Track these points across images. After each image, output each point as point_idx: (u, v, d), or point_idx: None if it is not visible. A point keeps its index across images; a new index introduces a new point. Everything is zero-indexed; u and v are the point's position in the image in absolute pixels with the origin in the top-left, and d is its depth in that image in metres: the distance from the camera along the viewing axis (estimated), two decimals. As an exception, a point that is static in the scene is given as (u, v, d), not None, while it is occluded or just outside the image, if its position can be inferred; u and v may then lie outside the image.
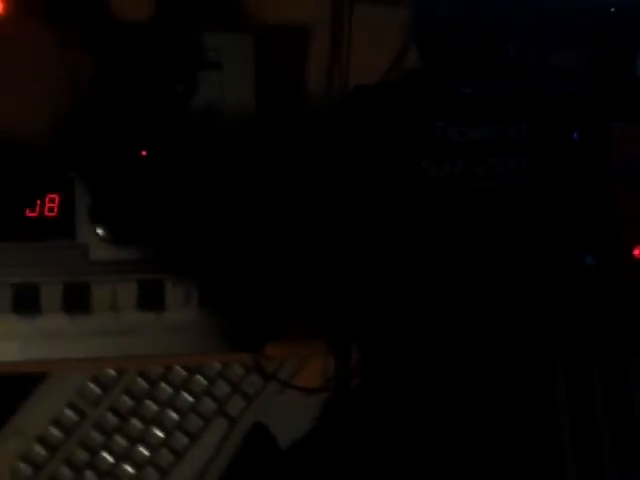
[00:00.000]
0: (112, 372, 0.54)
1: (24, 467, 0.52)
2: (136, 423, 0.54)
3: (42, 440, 0.52)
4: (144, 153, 0.44)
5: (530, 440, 0.45)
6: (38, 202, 0.43)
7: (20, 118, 0.41)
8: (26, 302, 0.43)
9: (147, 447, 0.54)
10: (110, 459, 0.53)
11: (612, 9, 0.50)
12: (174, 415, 0.54)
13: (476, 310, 0.43)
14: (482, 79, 0.49)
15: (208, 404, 0.55)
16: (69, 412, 0.53)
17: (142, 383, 0.54)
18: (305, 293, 0.50)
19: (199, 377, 0.55)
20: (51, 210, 0.44)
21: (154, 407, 0.54)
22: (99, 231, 0.44)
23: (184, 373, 0.55)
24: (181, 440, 0.54)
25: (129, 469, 0.53)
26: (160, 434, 0.54)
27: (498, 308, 0.43)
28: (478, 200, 0.43)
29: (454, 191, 0.43)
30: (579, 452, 0.45)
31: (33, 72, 0.41)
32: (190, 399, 0.55)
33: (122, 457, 0.53)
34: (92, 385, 0.54)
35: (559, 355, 0.45)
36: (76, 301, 0.44)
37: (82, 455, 0.53)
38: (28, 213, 0.43)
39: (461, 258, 0.43)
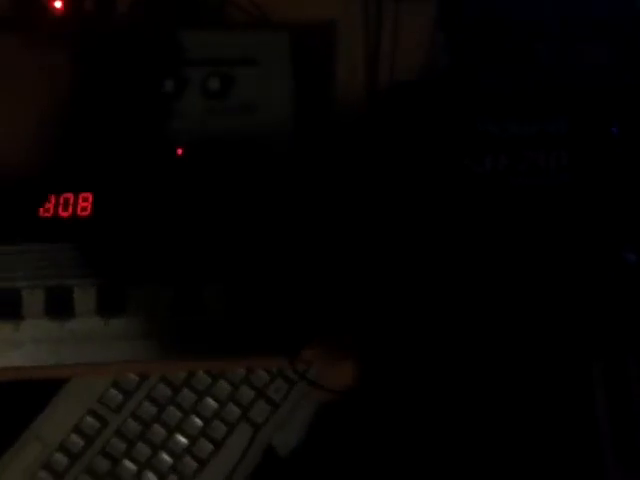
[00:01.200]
0: (134, 377, 0.53)
1: (44, 475, 0.50)
2: (159, 430, 0.52)
3: (62, 447, 0.51)
4: (180, 152, 0.43)
5: (567, 440, 0.45)
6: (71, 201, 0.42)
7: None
8: (59, 305, 0.42)
9: (170, 454, 0.52)
10: (132, 467, 0.52)
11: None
12: (198, 421, 0.53)
13: (519, 306, 0.43)
14: (515, 75, 0.49)
15: (232, 410, 0.53)
16: (90, 419, 0.51)
17: (165, 389, 0.53)
18: (334, 298, 0.49)
19: (223, 382, 0.54)
20: (84, 209, 0.42)
21: (177, 413, 0.53)
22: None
23: (208, 379, 0.54)
24: (205, 447, 0.53)
25: (152, 477, 0.52)
26: (183, 440, 0.53)
27: (539, 304, 0.43)
28: (521, 196, 0.43)
29: (497, 187, 0.43)
30: (619, 451, 0.45)
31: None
32: (214, 405, 0.53)
33: (144, 465, 0.52)
34: (114, 391, 0.52)
35: (598, 355, 0.45)
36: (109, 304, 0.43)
37: (103, 463, 0.51)
38: (61, 213, 0.42)
39: (504, 254, 0.43)
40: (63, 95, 0.42)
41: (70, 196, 0.41)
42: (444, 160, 0.43)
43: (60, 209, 0.41)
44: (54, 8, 0.46)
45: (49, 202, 0.41)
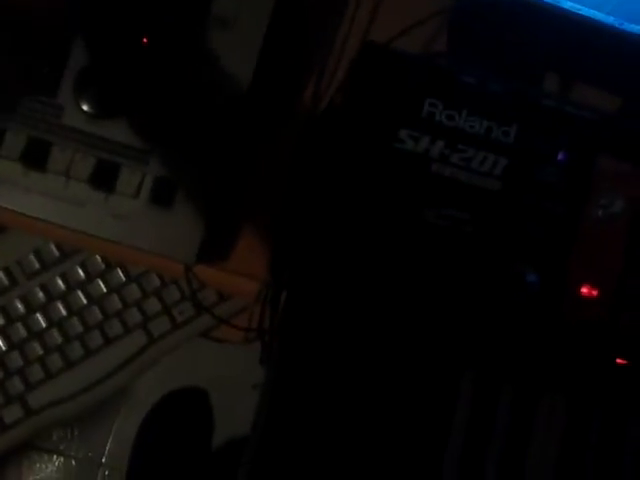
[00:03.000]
0: (55, 252, 0.54)
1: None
2: (59, 308, 0.54)
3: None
4: (145, 40, 0.45)
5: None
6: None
7: None
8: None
9: (62, 334, 0.54)
10: (23, 332, 0.53)
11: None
12: (98, 313, 0.54)
13: (415, 297, 0.42)
14: (491, 76, 0.48)
15: (134, 315, 0.54)
16: (1, 275, 0.53)
17: (78, 274, 0.54)
18: (252, 227, 0.49)
19: (134, 286, 0.55)
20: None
21: (82, 300, 0.54)
22: (81, 99, 0.44)
23: (122, 278, 0.55)
24: (96, 339, 0.54)
25: (37, 348, 0.53)
26: (79, 326, 0.54)
27: (435, 301, 0.43)
28: (444, 186, 0.43)
29: (421, 170, 0.43)
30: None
31: None
32: (119, 305, 0.54)
33: (34, 335, 0.53)
34: (32, 257, 0.54)
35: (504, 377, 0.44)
36: (35, 156, 0.45)
37: (-1, 318, 0.53)
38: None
39: (414, 235, 0.42)
40: None
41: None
42: (383, 128, 0.43)
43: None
44: None
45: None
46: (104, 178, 0.45)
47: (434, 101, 0.44)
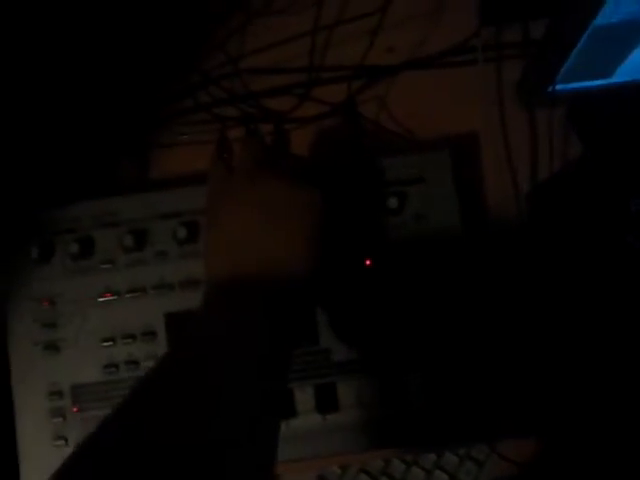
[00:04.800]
0: (336, 469, 0.58)
1: None
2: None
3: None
4: (368, 263, 0.50)
5: None
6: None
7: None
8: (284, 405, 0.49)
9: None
10: None
11: None
12: (399, 507, 0.57)
13: None
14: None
15: (429, 494, 0.57)
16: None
17: (365, 478, 0.58)
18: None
19: (416, 469, 0.58)
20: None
21: (379, 501, 0.57)
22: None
23: (402, 466, 0.58)
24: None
25: None
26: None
27: None
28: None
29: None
30: None
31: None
32: (411, 490, 0.57)
33: None
34: (320, 483, 0.57)
35: None
36: (326, 401, 0.49)
37: None
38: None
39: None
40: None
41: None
42: (607, 241, 0.47)
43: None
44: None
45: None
46: (393, 394, 0.49)
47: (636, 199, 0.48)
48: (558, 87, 0.52)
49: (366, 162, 0.52)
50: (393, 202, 0.50)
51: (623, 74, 0.52)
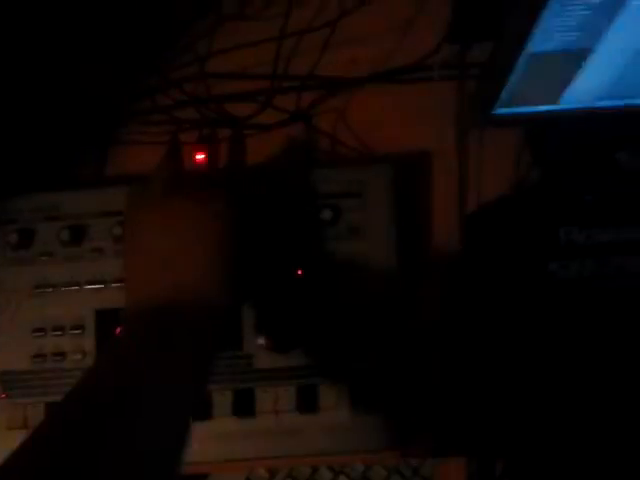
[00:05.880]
0: (264, 473, 0.59)
1: None
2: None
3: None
4: (300, 272, 0.51)
5: None
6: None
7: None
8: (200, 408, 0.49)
9: None
10: None
11: None
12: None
13: (616, 411, 0.45)
14: (598, 184, 0.52)
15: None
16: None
17: (291, 482, 0.58)
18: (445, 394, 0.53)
19: (343, 478, 0.58)
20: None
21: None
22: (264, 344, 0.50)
23: (329, 474, 0.59)
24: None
25: None
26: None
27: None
28: (609, 298, 0.46)
29: (583, 291, 0.47)
30: None
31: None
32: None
33: None
34: (248, 485, 0.58)
35: None
36: (244, 406, 0.50)
37: None
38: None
39: (595, 357, 0.45)
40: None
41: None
42: (530, 268, 0.47)
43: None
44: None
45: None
46: (307, 402, 0.49)
47: (567, 227, 0.48)
48: (505, 111, 0.52)
49: (305, 173, 0.52)
50: (327, 214, 0.51)
51: (569, 101, 0.51)
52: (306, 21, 0.66)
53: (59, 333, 0.51)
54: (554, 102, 0.51)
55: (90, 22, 0.63)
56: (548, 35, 0.43)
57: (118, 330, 0.44)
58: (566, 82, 0.49)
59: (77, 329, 0.51)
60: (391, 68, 0.63)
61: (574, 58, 0.46)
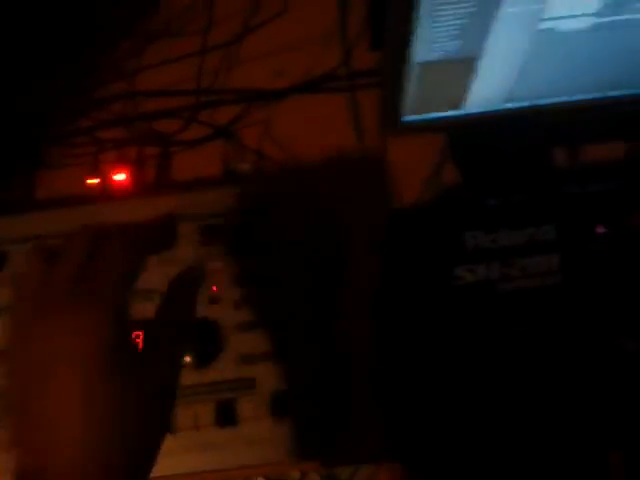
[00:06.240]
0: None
1: None
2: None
3: None
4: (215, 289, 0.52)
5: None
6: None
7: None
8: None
9: None
10: None
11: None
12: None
13: (523, 409, 0.46)
14: (510, 188, 0.53)
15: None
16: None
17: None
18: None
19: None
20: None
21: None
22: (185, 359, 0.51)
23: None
24: None
25: None
26: None
27: (543, 403, 0.46)
28: (515, 299, 0.47)
29: (489, 293, 0.47)
30: None
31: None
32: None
33: None
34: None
35: (614, 444, 0.46)
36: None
37: None
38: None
39: (503, 358, 0.46)
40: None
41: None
42: (438, 272, 0.48)
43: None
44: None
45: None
46: (227, 415, 0.50)
47: (473, 232, 0.49)
48: (413, 118, 0.53)
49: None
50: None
51: (474, 106, 0.52)
52: (233, 34, 0.67)
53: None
54: (457, 107, 0.52)
55: (10, 42, 0.64)
56: (429, 45, 0.44)
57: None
58: (464, 88, 0.50)
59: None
60: (312, 78, 0.64)
61: (463, 66, 0.46)
